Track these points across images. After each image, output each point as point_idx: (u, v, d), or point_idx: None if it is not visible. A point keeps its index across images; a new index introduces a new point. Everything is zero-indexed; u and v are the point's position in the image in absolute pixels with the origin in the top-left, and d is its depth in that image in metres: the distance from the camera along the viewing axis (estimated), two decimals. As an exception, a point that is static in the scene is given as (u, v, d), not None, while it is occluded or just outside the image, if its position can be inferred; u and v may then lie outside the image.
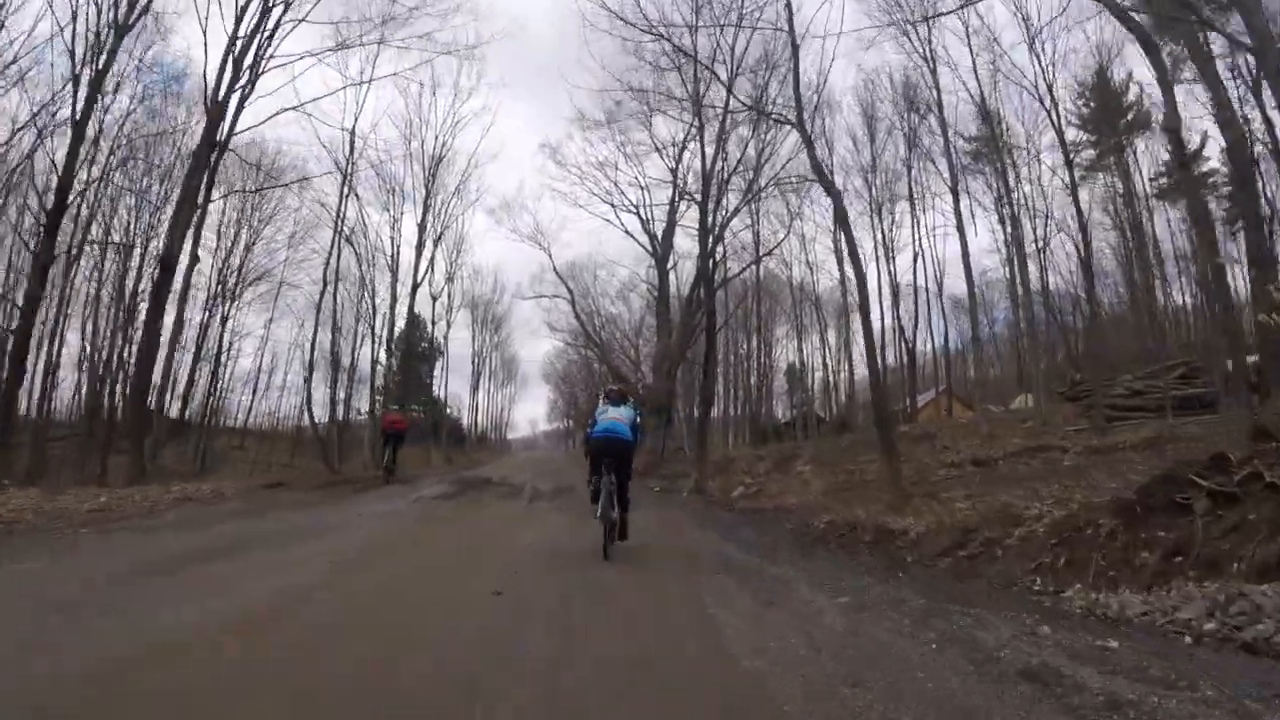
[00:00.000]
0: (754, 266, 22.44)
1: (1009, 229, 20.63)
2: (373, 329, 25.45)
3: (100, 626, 3.32)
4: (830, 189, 9.65)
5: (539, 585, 4.57)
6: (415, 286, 25.22)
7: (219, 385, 28.34)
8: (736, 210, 16.84)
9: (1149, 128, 22.23)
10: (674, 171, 19.99)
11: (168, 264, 14.61)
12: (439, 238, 26.67)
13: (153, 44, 16.53)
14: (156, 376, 25.72)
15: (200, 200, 15.26)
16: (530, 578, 4.84)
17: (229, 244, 25.10)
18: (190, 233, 15.63)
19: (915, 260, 23.61)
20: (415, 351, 31.97)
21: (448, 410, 37.00)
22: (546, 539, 6.91)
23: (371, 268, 24.36)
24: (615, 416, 6.07)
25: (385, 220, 24.91)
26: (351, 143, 20.20)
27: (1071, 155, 19.25)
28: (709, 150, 14.88)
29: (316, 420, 22.58)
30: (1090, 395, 13.44)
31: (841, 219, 9.01)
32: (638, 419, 6.57)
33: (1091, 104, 21.84)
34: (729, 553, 5.99)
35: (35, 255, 14.29)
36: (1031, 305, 20.01)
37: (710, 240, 14.63)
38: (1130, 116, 22.17)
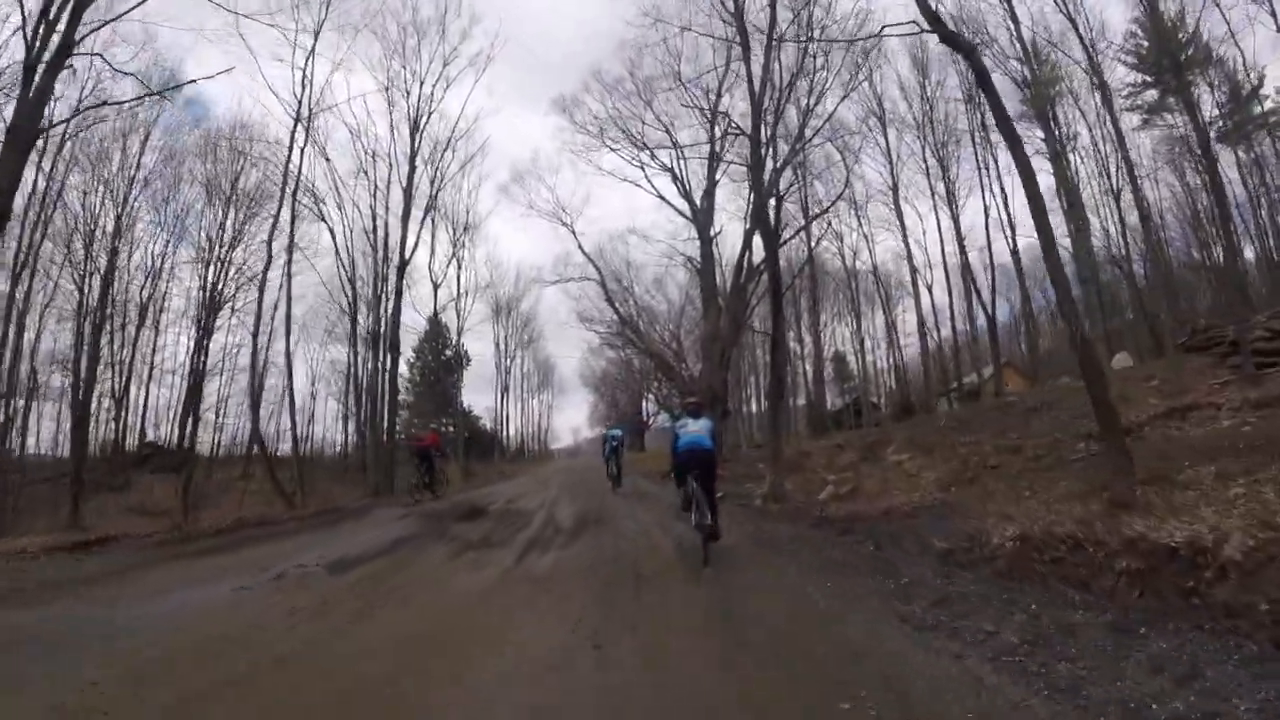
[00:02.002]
0: (804, 232, 20.22)
1: (1078, 176, 18.58)
2: (353, 319, 21.80)
3: None
4: (957, 41, 7.23)
5: None
6: (404, 264, 20.88)
7: (214, 410, 25.09)
8: (789, 159, 14.45)
9: (1209, 63, 20.42)
10: (711, 114, 17.56)
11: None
12: (432, 203, 22.60)
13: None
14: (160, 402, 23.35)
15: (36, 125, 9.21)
16: None
17: (221, 251, 22.06)
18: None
19: (985, 216, 21.12)
20: (438, 356, 29.73)
21: (479, 420, 34.66)
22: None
23: (350, 243, 20.77)
24: (696, 430, 6.41)
25: (364, 186, 21.11)
26: (305, 80, 16.81)
27: (1133, 94, 17.33)
28: (756, 69, 11.91)
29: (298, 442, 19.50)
30: (1221, 344, 11.72)
31: (981, 78, 6.59)
32: (715, 428, 6.84)
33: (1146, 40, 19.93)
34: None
35: None
36: (1108, 261, 18.04)
37: (766, 179, 12.02)
38: (1189, 52, 20.28)
